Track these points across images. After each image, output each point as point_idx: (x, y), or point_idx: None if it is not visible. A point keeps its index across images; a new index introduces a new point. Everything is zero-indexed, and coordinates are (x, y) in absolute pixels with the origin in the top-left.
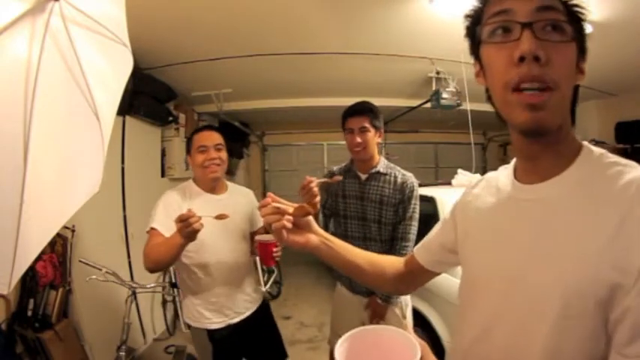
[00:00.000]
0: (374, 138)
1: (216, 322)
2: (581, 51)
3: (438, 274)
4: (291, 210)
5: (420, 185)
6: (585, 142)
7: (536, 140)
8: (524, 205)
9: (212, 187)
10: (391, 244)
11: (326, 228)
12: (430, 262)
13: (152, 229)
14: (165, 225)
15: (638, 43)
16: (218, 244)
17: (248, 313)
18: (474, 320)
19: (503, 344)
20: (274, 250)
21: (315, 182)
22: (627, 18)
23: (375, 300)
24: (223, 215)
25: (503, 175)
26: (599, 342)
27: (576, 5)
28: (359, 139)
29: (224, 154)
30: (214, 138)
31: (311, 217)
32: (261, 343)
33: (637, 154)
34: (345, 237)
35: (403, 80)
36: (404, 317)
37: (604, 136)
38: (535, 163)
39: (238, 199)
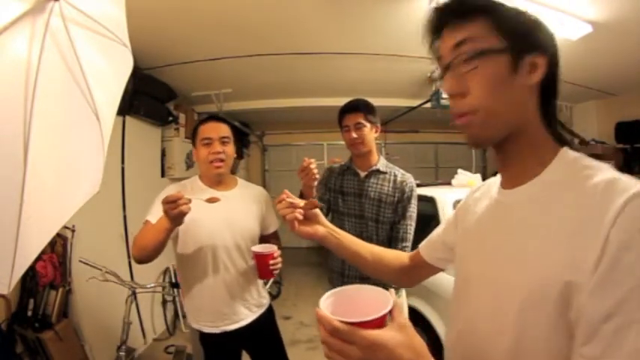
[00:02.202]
0: (370, 133)
1: (209, 326)
2: (525, 50)
3: (441, 270)
4: (301, 204)
5: (420, 185)
6: (565, 148)
7: (497, 150)
8: (500, 209)
9: (217, 183)
10: (388, 245)
11: None
12: (433, 259)
13: (146, 221)
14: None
15: (638, 42)
16: (218, 242)
17: (249, 320)
18: (460, 315)
19: (481, 339)
20: (271, 262)
21: (314, 163)
22: (627, 18)
23: None
24: (214, 198)
25: (498, 181)
26: (561, 343)
27: (507, 11)
28: (355, 135)
29: (230, 149)
30: (220, 130)
31: (318, 210)
32: (260, 351)
33: (637, 154)
34: None
35: (403, 80)
36: None
37: (604, 136)
38: (506, 170)
39: (246, 197)
